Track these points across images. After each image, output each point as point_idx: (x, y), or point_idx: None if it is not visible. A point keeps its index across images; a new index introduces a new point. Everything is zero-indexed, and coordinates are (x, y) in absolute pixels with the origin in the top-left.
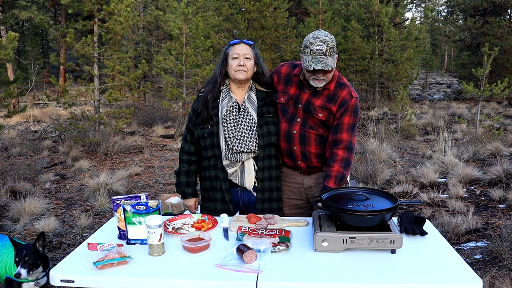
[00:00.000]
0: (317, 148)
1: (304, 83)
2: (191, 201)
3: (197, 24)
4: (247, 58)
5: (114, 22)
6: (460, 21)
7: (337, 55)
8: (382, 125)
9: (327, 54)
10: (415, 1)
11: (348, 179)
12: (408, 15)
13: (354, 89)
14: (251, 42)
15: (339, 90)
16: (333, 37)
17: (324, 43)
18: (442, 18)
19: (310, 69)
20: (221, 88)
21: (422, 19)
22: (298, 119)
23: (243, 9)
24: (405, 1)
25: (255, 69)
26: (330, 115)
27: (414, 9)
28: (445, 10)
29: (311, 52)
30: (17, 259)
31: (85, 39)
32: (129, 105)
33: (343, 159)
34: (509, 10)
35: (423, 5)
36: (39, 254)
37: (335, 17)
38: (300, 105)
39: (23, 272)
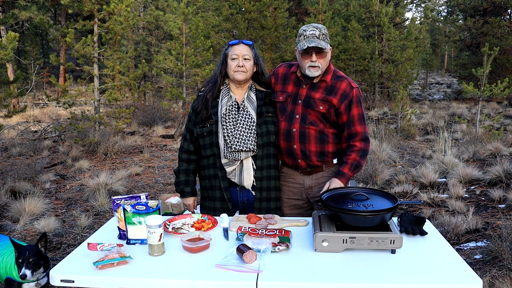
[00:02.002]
0: (317, 146)
1: (302, 79)
2: (189, 200)
3: (197, 24)
4: (246, 59)
5: (114, 22)
6: (460, 21)
7: (330, 47)
8: (382, 125)
9: (320, 38)
10: (415, 1)
11: None
12: (408, 15)
13: (352, 80)
14: (250, 43)
15: (338, 82)
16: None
17: (317, 29)
18: (442, 18)
19: (305, 47)
20: (221, 88)
21: (422, 19)
22: (297, 116)
23: (243, 9)
24: (405, 1)
25: (255, 69)
26: (330, 107)
27: (414, 9)
28: (445, 10)
29: (305, 37)
30: (20, 260)
31: (85, 39)
32: (129, 105)
33: (361, 149)
34: (509, 10)
35: (423, 5)
36: (42, 254)
37: (335, 17)
38: (299, 101)
39: (28, 273)
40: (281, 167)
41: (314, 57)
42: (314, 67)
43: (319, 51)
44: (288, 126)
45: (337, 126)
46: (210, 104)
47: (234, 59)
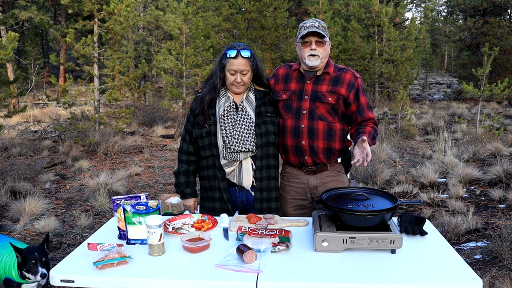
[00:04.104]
0: (324, 142)
1: (305, 75)
2: (190, 201)
3: (197, 24)
4: (244, 74)
5: (114, 22)
6: (460, 21)
7: (329, 41)
8: (382, 125)
9: (319, 28)
10: (415, 1)
11: (349, 178)
12: (408, 15)
13: (354, 70)
14: (249, 53)
15: (342, 73)
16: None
17: (316, 21)
18: (442, 18)
19: (305, 33)
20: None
21: (422, 19)
22: (304, 112)
23: (243, 9)
24: (405, 1)
25: (253, 74)
26: (339, 98)
27: (414, 9)
28: (445, 10)
29: (305, 28)
30: (33, 261)
31: (85, 39)
32: (129, 105)
33: (373, 127)
34: (509, 10)
35: (423, 5)
36: (47, 254)
37: (335, 17)
38: (306, 97)
39: (46, 272)
40: (284, 166)
41: (313, 45)
42: (314, 56)
43: (319, 40)
44: (296, 122)
45: (345, 117)
46: (207, 107)
47: (232, 74)
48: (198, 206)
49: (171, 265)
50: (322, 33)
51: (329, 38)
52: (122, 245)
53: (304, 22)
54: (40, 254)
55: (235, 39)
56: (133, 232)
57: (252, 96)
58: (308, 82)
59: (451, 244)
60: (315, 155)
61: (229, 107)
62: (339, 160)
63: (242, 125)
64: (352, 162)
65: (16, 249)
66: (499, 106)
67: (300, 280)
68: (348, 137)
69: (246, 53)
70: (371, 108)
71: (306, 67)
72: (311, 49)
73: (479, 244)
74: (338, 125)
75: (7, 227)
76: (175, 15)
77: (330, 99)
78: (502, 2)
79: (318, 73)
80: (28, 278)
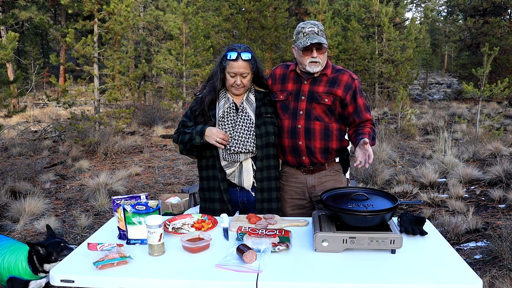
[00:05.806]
0: (321, 142)
1: (302, 76)
2: (212, 129)
3: (197, 24)
4: (244, 76)
5: (114, 22)
6: (460, 21)
7: (327, 44)
8: (382, 125)
9: (319, 34)
10: (415, 1)
11: (348, 178)
12: (408, 15)
13: (352, 72)
14: (249, 56)
15: (339, 74)
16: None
17: (314, 26)
18: (442, 18)
19: (307, 44)
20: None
21: (422, 19)
22: (301, 112)
23: (243, 9)
24: (405, 1)
25: (253, 76)
26: (335, 99)
27: (414, 9)
28: (445, 10)
29: (305, 34)
30: (62, 244)
31: (85, 39)
32: (129, 105)
33: (372, 128)
34: (509, 10)
35: (423, 5)
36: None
37: (335, 17)
38: (303, 97)
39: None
40: (283, 166)
41: (315, 53)
42: (315, 63)
43: (319, 47)
44: (293, 123)
45: (342, 118)
46: (208, 108)
47: (232, 76)
48: (198, 206)
49: (171, 265)
50: (324, 42)
51: (329, 38)
52: (122, 245)
53: (302, 25)
54: (59, 238)
55: (235, 39)
56: (133, 232)
57: (252, 97)
58: (305, 82)
59: (451, 244)
60: (312, 155)
61: (229, 109)
62: (337, 160)
63: (242, 126)
64: (354, 165)
65: (37, 244)
66: (499, 106)
67: (300, 280)
68: (346, 137)
69: (246, 56)
70: (368, 109)
71: (306, 71)
72: (312, 57)
73: (479, 244)
74: (335, 125)
75: (7, 227)
76: (175, 15)
77: (326, 100)
78: (502, 2)
79: (315, 75)
80: (44, 272)
